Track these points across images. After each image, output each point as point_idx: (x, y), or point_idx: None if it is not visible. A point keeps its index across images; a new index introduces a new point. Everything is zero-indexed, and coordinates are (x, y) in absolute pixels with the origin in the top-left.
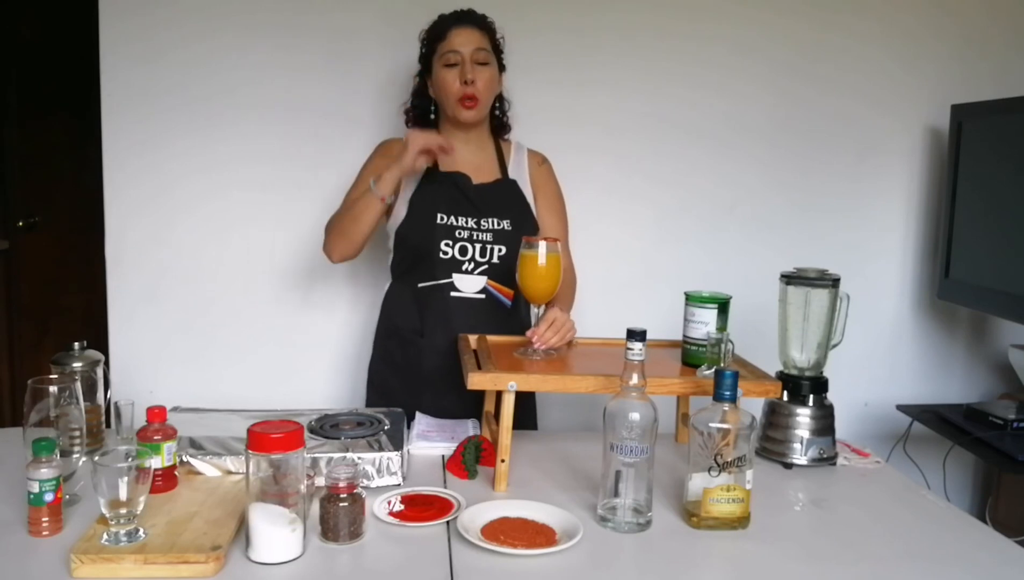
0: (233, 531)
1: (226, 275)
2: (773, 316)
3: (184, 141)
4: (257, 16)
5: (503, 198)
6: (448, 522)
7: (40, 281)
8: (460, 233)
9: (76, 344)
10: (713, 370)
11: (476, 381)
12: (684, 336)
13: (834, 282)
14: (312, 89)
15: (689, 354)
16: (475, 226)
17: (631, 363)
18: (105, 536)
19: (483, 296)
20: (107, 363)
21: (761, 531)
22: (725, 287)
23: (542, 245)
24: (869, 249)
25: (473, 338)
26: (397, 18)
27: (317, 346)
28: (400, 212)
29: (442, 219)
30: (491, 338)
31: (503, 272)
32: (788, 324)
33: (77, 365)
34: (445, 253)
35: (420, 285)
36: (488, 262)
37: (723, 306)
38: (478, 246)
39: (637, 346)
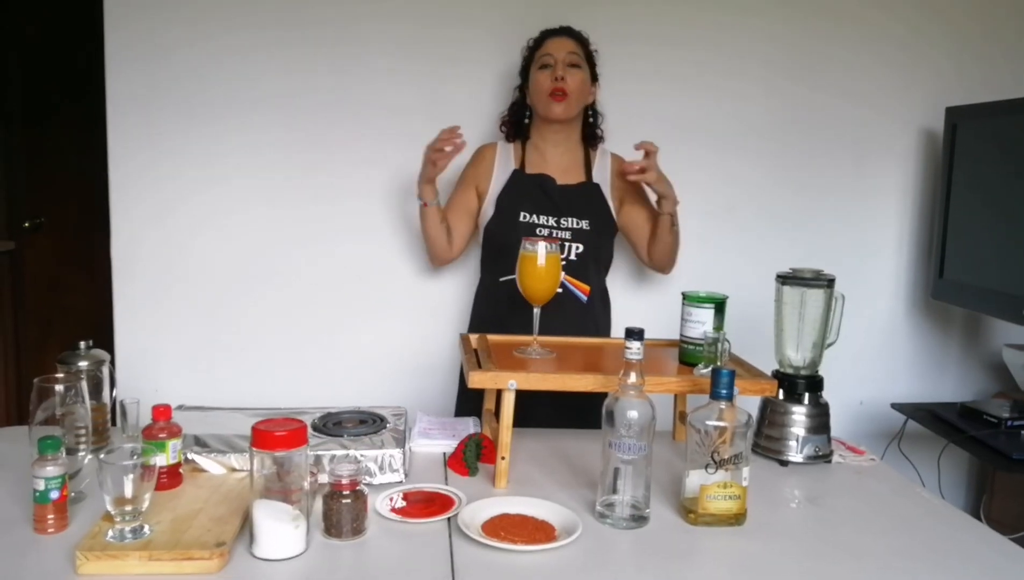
0: (237, 528)
1: (231, 274)
2: (769, 316)
3: (190, 140)
4: (264, 15)
5: (585, 200)
6: (449, 518)
7: (45, 281)
8: (540, 231)
9: (82, 343)
10: (710, 369)
11: (476, 379)
12: (681, 335)
13: (829, 282)
14: (319, 87)
15: (686, 353)
16: (555, 225)
17: (629, 362)
18: (110, 533)
19: (560, 290)
20: (112, 362)
21: (757, 528)
22: (722, 287)
23: (541, 245)
24: (864, 249)
25: (474, 338)
26: (407, 16)
27: (321, 345)
28: (488, 211)
29: (525, 217)
30: (491, 337)
31: (580, 269)
32: (784, 324)
33: (83, 364)
34: None
35: (501, 279)
36: (566, 259)
37: (720, 306)
38: (556, 245)
39: (635, 345)
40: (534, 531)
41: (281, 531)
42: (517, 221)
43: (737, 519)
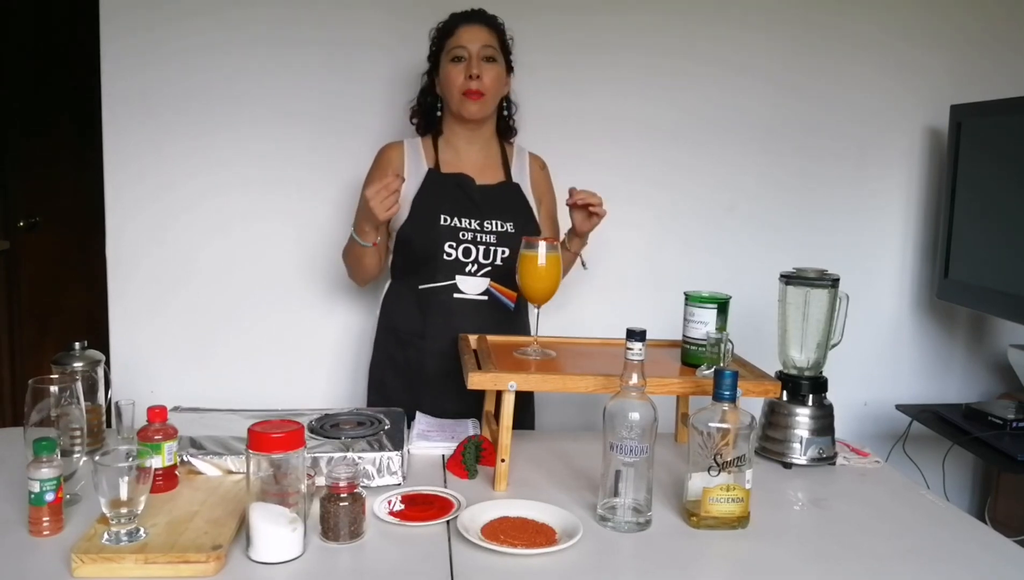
0: (234, 530)
1: (227, 275)
2: (773, 316)
3: (184, 141)
4: (258, 16)
5: (507, 200)
6: (448, 522)
7: (41, 281)
8: (464, 235)
9: (77, 344)
10: (713, 370)
11: (476, 381)
12: (684, 336)
13: (833, 282)
14: (314, 89)
15: (689, 354)
16: (478, 228)
17: (631, 363)
18: (106, 536)
19: (486, 298)
20: (108, 363)
21: (761, 531)
22: (725, 287)
23: (542, 245)
24: (868, 249)
25: (473, 338)
26: (401, 17)
27: (318, 346)
28: (403, 213)
29: (445, 221)
30: (491, 338)
31: (506, 274)
32: (787, 324)
33: (78, 365)
34: (449, 255)
35: (422, 287)
36: (491, 264)
37: (722, 306)
38: (481, 248)
39: (637, 346)
40: (534, 534)
41: (278, 534)
42: (437, 224)
43: (740, 522)
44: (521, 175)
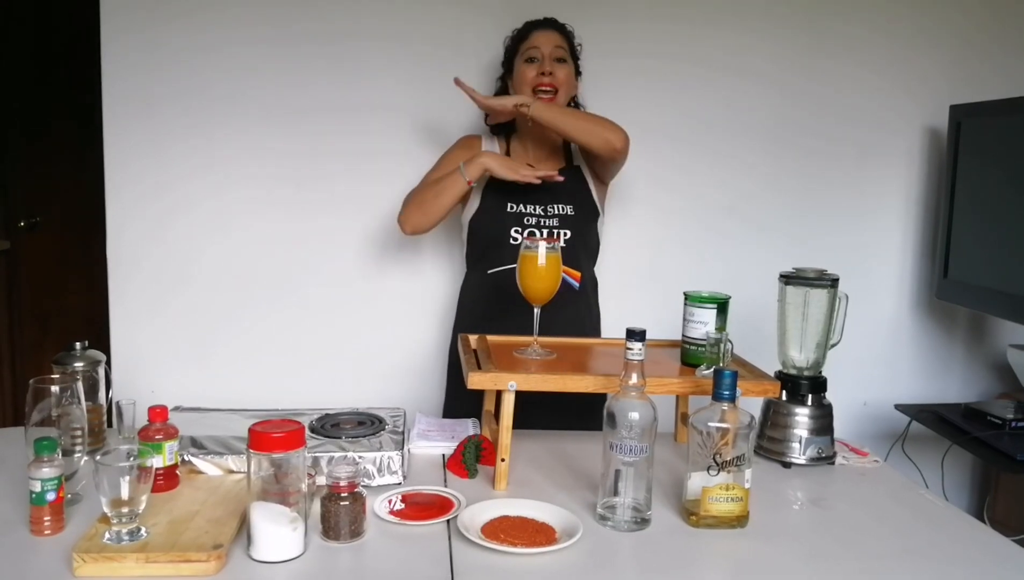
0: (234, 530)
1: (227, 274)
2: (772, 316)
3: (185, 141)
4: (258, 15)
5: (568, 184)
6: (448, 521)
7: (42, 281)
8: (528, 220)
9: (77, 344)
10: (712, 370)
11: (476, 381)
12: (683, 336)
13: (833, 282)
14: (314, 88)
15: (688, 354)
16: (543, 213)
17: (631, 363)
18: (107, 535)
19: None
20: (108, 363)
21: (760, 530)
22: (724, 287)
23: (542, 245)
24: (868, 249)
25: (473, 338)
26: (397, 18)
27: (318, 346)
28: (474, 203)
29: (512, 207)
30: (491, 338)
31: (570, 255)
32: (787, 324)
33: (79, 365)
34: (515, 239)
35: (490, 271)
36: None
37: (722, 306)
38: (545, 232)
39: (637, 346)
40: (534, 533)
41: (279, 533)
42: (504, 212)
43: (739, 521)
44: (580, 157)
